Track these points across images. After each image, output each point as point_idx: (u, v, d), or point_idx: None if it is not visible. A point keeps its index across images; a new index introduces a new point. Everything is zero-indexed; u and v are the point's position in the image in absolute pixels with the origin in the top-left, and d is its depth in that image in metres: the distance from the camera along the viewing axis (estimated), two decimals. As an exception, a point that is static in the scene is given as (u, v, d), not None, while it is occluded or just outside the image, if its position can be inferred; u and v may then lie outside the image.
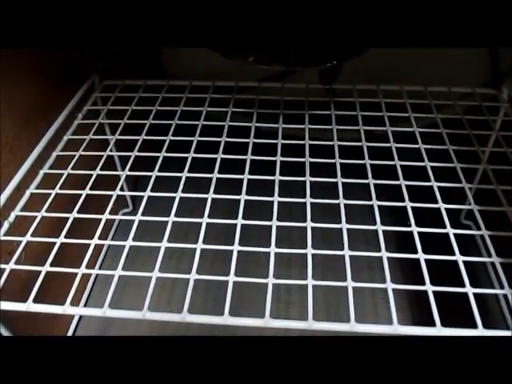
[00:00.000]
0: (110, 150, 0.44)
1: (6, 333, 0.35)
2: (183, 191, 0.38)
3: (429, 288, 0.30)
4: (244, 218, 0.35)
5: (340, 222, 0.35)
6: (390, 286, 0.30)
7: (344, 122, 0.46)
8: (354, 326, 0.28)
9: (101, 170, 0.41)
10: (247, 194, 0.37)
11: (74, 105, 0.47)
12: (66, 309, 0.30)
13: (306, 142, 0.42)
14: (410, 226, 0.34)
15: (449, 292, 0.30)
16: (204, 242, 0.34)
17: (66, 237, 0.35)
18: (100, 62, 0.55)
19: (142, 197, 0.38)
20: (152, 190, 0.38)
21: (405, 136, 0.44)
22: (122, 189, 0.39)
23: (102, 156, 0.42)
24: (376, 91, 0.49)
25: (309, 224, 0.35)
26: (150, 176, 0.39)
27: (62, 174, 0.40)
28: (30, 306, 0.30)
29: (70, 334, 0.50)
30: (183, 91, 0.50)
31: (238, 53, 0.36)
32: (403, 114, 0.46)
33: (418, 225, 0.35)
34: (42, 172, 0.41)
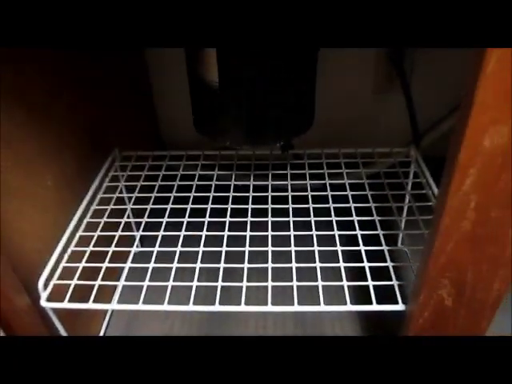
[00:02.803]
0: (127, 217, 0.61)
1: (61, 328, 0.51)
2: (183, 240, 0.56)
3: (366, 264, 0.48)
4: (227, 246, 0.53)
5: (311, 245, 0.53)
6: (342, 264, 0.48)
7: (297, 177, 0.64)
8: (297, 308, 0.45)
9: (121, 231, 0.58)
10: (229, 230, 0.55)
11: (103, 174, 0.64)
12: (113, 306, 0.46)
13: (268, 194, 0.61)
14: (359, 245, 0.52)
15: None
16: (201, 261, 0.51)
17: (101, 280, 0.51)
18: (117, 136, 0.73)
19: (151, 236, 0.55)
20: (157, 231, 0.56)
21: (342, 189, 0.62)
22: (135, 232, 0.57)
23: (121, 221, 0.59)
24: (321, 154, 0.68)
25: (270, 265, 0.52)
26: (159, 221, 0.57)
27: (93, 236, 0.56)
28: (90, 306, 0.47)
29: (104, 327, 0.65)
30: (181, 159, 0.68)
31: (219, 139, 0.54)
32: (339, 170, 0.65)
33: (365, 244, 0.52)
34: (78, 234, 0.56)
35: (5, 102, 0.46)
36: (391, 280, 0.49)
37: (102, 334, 0.66)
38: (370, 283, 0.48)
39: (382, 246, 0.53)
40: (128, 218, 0.59)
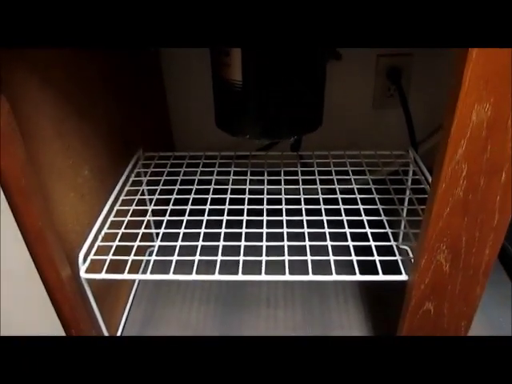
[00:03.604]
0: (154, 205, 0.67)
1: (93, 301, 0.56)
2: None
3: (372, 243, 0.54)
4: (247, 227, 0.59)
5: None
6: (350, 243, 0.53)
7: (307, 177, 0.70)
8: (312, 277, 0.51)
9: (149, 217, 0.64)
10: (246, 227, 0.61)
11: (129, 170, 0.71)
12: (146, 276, 0.52)
13: (282, 197, 0.66)
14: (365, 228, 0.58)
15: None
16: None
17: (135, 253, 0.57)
18: (140, 138, 0.80)
19: (176, 221, 0.61)
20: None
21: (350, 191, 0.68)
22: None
23: (149, 209, 0.66)
24: (327, 155, 0.75)
25: (286, 243, 0.58)
26: (183, 208, 0.63)
27: (123, 221, 0.62)
28: (125, 276, 0.52)
29: (129, 302, 0.71)
30: (200, 158, 0.75)
31: (239, 133, 0.61)
32: (346, 176, 0.70)
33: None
34: (110, 219, 0.63)
35: (55, 101, 0.53)
36: (395, 256, 0.54)
37: (128, 305, 0.71)
38: (377, 258, 0.54)
39: (386, 229, 0.59)
40: (154, 205, 0.65)
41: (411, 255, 0.55)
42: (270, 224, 0.60)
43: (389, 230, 0.58)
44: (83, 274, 0.53)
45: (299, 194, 0.65)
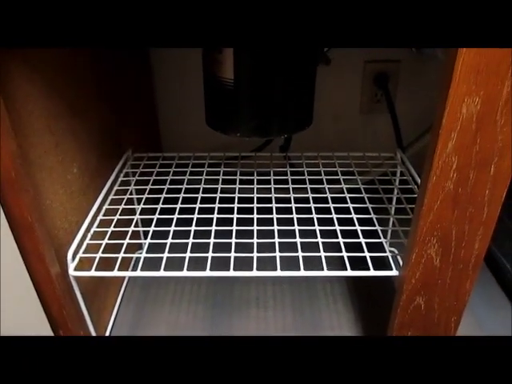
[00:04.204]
0: (143, 204, 0.66)
1: (81, 299, 0.55)
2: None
3: (362, 240, 0.54)
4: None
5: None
6: (341, 240, 0.54)
7: (297, 177, 0.71)
8: (303, 273, 0.51)
9: (139, 215, 0.63)
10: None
11: (118, 170, 0.70)
12: (137, 273, 0.51)
13: (271, 195, 0.67)
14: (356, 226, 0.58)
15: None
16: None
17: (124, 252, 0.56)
18: (129, 140, 0.79)
19: (166, 220, 0.60)
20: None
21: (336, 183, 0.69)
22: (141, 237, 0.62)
23: (138, 208, 0.65)
24: (316, 157, 0.75)
25: (276, 240, 0.58)
26: (172, 207, 0.62)
27: (112, 220, 0.62)
28: (115, 273, 0.51)
29: (120, 295, 0.70)
30: (189, 159, 0.75)
31: (230, 131, 0.61)
32: (335, 176, 0.71)
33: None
34: (98, 218, 0.62)
35: (48, 99, 0.52)
36: (385, 252, 0.55)
37: (116, 306, 0.70)
38: (367, 254, 0.54)
39: (375, 226, 0.59)
40: (144, 204, 0.64)
41: (397, 252, 0.56)
42: (261, 222, 0.60)
43: (378, 228, 0.59)
44: (72, 272, 0.52)
45: (289, 194, 0.66)
